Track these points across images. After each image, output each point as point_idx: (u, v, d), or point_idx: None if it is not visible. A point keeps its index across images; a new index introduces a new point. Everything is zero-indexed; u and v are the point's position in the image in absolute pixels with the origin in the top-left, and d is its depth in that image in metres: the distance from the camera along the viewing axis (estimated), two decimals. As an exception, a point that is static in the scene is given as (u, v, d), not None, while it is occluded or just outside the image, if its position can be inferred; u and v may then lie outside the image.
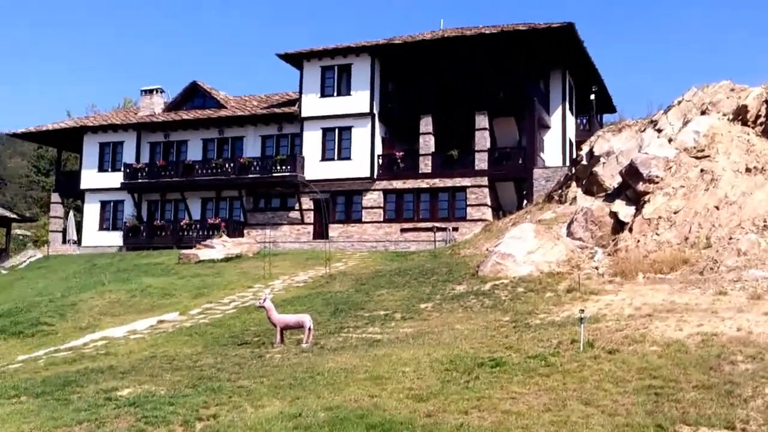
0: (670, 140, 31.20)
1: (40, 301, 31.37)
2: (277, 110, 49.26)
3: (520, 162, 43.61)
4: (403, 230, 44.51)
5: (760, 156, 28.75)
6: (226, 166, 48.61)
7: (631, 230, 27.44)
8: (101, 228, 53.23)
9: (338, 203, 46.96)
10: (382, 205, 45.55)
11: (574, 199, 33.28)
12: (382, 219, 45.39)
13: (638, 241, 26.50)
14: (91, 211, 53.81)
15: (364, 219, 45.77)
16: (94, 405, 14.26)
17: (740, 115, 31.48)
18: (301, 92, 48.28)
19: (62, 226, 55.15)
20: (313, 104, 47.47)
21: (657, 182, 28.48)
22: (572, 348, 16.13)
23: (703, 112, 32.66)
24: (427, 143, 45.34)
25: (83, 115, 67.70)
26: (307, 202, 47.13)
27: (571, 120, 49.87)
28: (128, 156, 52.89)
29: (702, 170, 28.25)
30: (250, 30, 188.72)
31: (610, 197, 30.77)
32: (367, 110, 46.06)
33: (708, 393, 12.77)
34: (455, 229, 42.72)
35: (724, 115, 32.06)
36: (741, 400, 12.40)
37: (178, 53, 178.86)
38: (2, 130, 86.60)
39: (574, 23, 41.35)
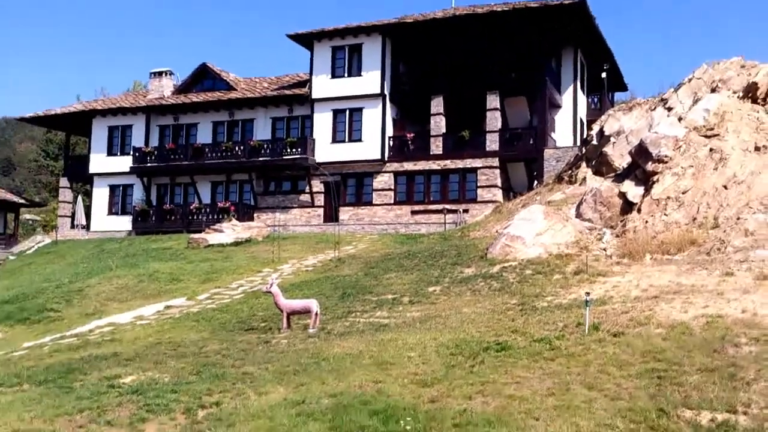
0: (680, 119, 30.90)
1: (47, 287, 31.44)
2: (287, 92, 49.11)
3: (531, 142, 43.40)
4: (413, 212, 44.41)
5: (769, 134, 28.49)
6: (236, 149, 48.52)
7: (639, 211, 27.21)
8: (110, 212, 53.37)
9: (349, 186, 46.85)
10: (392, 187, 45.43)
11: (584, 179, 33.05)
12: (392, 201, 45.27)
13: (646, 221, 26.28)
14: (100, 195, 53.92)
15: (374, 201, 45.66)
16: (96, 393, 14.32)
17: (750, 92, 31.14)
18: (311, 73, 48.08)
19: (71, 210, 55.18)
20: (323, 85, 47.30)
21: (666, 162, 28.21)
22: (577, 331, 16.08)
23: (713, 90, 32.32)
24: (438, 124, 45.18)
25: (92, 99, 67.70)
26: (317, 185, 47.05)
27: (582, 99, 49.54)
28: (137, 139, 52.89)
29: (711, 149, 27.97)
30: (260, 11, 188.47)
31: (620, 177, 30.53)
32: (378, 91, 45.86)
33: (711, 376, 12.70)
34: (465, 211, 42.58)
35: (735, 92, 31.71)
36: (743, 383, 12.32)
37: (188, 35, 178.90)
38: (11, 115, 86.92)
39: (586, 0, 41.00)
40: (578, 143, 43.57)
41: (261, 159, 47.56)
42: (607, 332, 15.69)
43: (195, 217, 48.42)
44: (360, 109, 46.42)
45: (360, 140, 46.16)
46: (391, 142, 45.96)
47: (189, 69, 58.14)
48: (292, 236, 42.05)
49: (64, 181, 56.74)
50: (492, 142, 43.75)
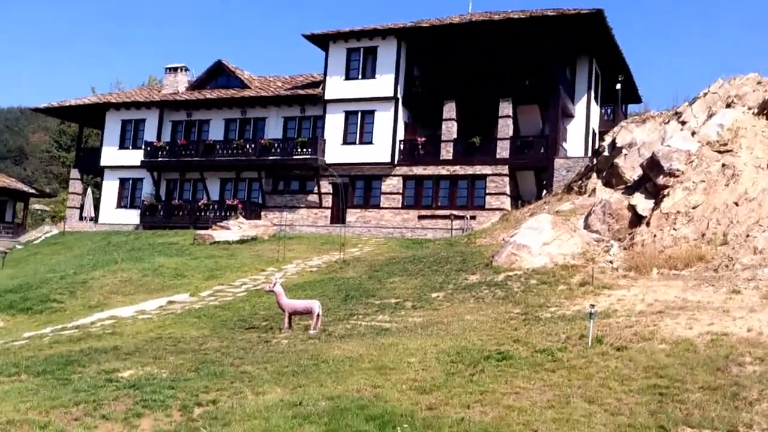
0: (693, 133, 30.76)
1: (51, 277, 31.43)
2: (300, 92, 49.05)
3: (542, 151, 43.24)
4: (420, 217, 44.28)
5: (782, 152, 28.32)
6: (247, 146, 48.48)
7: (648, 224, 27.06)
8: (119, 205, 53.43)
9: (357, 188, 46.75)
10: (401, 191, 45.31)
11: (594, 190, 32.91)
12: (400, 205, 45.16)
13: (655, 235, 26.13)
14: (110, 188, 54.00)
15: (382, 204, 45.56)
16: (93, 386, 14.25)
17: (766, 109, 31.00)
18: (325, 74, 48.02)
19: (80, 202, 55.37)
20: (337, 87, 47.23)
21: (677, 176, 28.04)
22: (580, 343, 15.94)
23: (728, 105, 32.18)
24: (450, 129, 45.06)
25: (107, 92, 67.83)
26: (326, 186, 46.96)
27: (595, 109, 49.39)
28: (150, 134, 52.96)
29: (723, 165, 27.80)
30: (277, 10, 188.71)
31: (630, 190, 30.38)
32: (391, 94, 45.75)
33: (713, 395, 12.53)
34: (473, 218, 42.44)
35: (750, 108, 31.57)
36: (746, 403, 12.15)
37: (205, 32, 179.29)
38: (26, 105, 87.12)
39: (603, 10, 40.85)
40: (590, 154, 43.44)
41: (271, 158, 47.48)
42: (610, 346, 15.54)
43: (203, 214, 48.40)
44: (372, 112, 46.31)
45: (371, 143, 46.05)
46: (402, 146, 45.85)
47: (204, 65, 58.45)
48: (298, 236, 41.99)
49: (75, 173, 56.88)
50: (503, 150, 43.60)
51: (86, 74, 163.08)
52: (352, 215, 45.84)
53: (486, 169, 43.57)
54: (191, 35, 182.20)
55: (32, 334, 22.18)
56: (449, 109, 45.22)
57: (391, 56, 46.20)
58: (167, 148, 51.08)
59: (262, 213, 47.91)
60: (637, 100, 57.68)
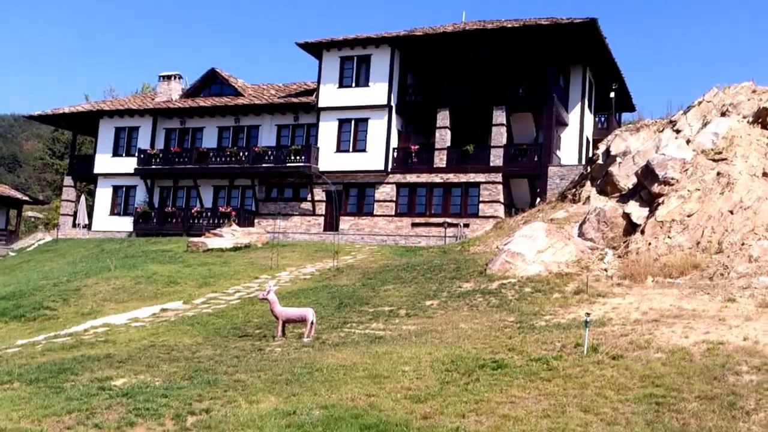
0: (688, 141, 30.77)
1: (44, 284, 31.25)
2: (294, 99, 49.02)
3: (536, 159, 43.25)
4: (414, 225, 44.25)
5: (777, 160, 28.33)
6: (241, 154, 48.39)
7: (643, 232, 27.03)
8: (112, 213, 53.31)
9: (350, 195, 46.69)
10: (394, 198, 45.28)
11: (588, 198, 32.89)
12: (393, 213, 45.12)
13: (649, 243, 26.10)
14: (103, 195, 53.86)
15: (375, 212, 45.51)
16: (86, 394, 14.13)
17: (760, 117, 31.03)
18: (319, 82, 48.03)
19: (73, 209, 55.24)
20: (330, 94, 47.22)
21: (672, 184, 28.03)
22: (576, 352, 15.86)
23: (723, 114, 32.21)
24: (443, 137, 45.06)
25: (101, 99, 67.74)
26: (319, 194, 46.93)
27: (589, 118, 49.43)
28: (143, 142, 52.88)
29: (718, 173, 27.79)
30: (271, 19, 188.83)
31: (624, 198, 30.37)
32: (385, 102, 45.77)
33: (710, 404, 12.44)
34: (466, 225, 42.42)
35: (744, 117, 31.60)
36: (743, 412, 12.07)
37: (198, 40, 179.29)
38: (20, 112, 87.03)
39: (597, 19, 40.95)
40: (583, 162, 43.46)
41: (264, 165, 47.41)
42: (605, 354, 15.46)
43: (196, 221, 48.34)
44: (365, 120, 46.30)
45: (364, 150, 46.02)
46: (395, 154, 45.85)
47: (198, 73, 58.27)
48: (291, 243, 41.89)
49: (68, 180, 56.74)
50: (496, 158, 43.61)
51: (79, 82, 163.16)
52: (346, 223, 45.78)
53: (479, 177, 43.56)
54: (185, 43, 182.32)
55: (25, 341, 22.02)
56: (443, 117, 45.23)
57: (385, 64, 46.21)
58: (161, 155, 50.97)
59: (256, 220, 47.86)
60: (631, 108, 57.86)
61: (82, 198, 54.04)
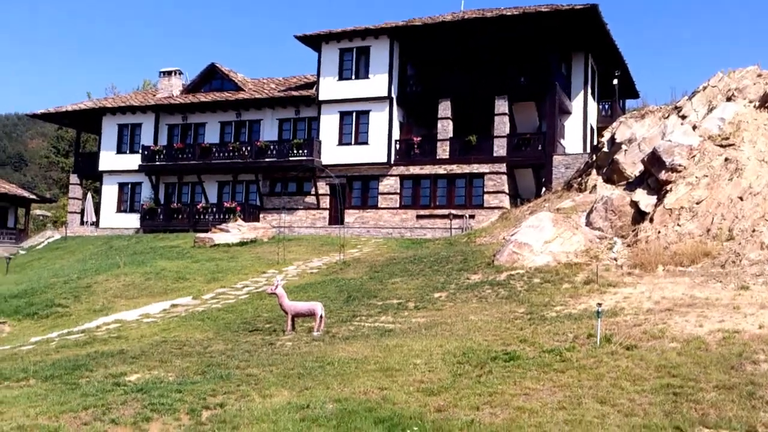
0: (694, 127, 30.58)
1: (55, 282, 31.33)
2: (294, 93, 48.91)
3: (540, 148, 43.11)
4: (419, 217, 44.16)
5: (785, 145, 28.17)
6: (243, 149, 48.32)
7: (651, 220, 26.88)
8: (119, 210, 53.35)
9: (354, 188, 46.66)
10: (398, 191, 45.19)
11: (594, 187, 32.76)
12: (398, 205, 45.04)
13: (659, 231, 25.95)
14: (109, 192, 53.87)
15: (380, 205, 45.44)
16: (101, 390, 14.13)
17: (766, 101, 30.83)
18: (318, 75, 47.88)
19: (80, 207, 55.42)
20: (330, 87, 47.10)
21: (680, 171, 27.86)
22: (588, 343, 15.78)
23: (728, 99, 32.01)
24: (446, 128, 44.93)
25: (103, 96, 67.70)
26: (323, 187, 46.84)
27: (592, 105, 49.27)
28: (146, 138, 52.87)
29: (726, 159, 27.61)
30: (269, 12, 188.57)
31: (631, 186, 30.23)
32: (386, 94, 45.65)
33: (729, 394, 12.32)
34: (472, 217, 42.34)
35: (751, 101, 31.41)
36: (763, 402, 11.94)
37: (198, 35, 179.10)
38: (23, 111, 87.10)
39: (598, 5, 40.73)
40: (588, 150, 43.32)
41: (267, 160, 47.38)
42: (619, 345, 15.36)
43: (202, 217, 48.29)
44: (367, 112, 46.19)
45: (366, 143, 45.94)
46: (398, 146, 45.74)
47: (198, 69, 58.18)
48: (297, 238, 41.89)
49: (74, 178, 56.84)
50: (500, 148, 43.49)
51: (81, 81, 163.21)
52: (351, 216, 45.72)
53: (483, 168, 43.45)
54: (185, 42, 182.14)
55: (39, 338, 22.14)
56: (444, 108, 45.12)
57: (384, 56, 46.08)
58: (164, 151, 50.94)
59: (261, 215, 47.82)
60: (635, 95, 57.59)
61: (89, 196, 54.19)
